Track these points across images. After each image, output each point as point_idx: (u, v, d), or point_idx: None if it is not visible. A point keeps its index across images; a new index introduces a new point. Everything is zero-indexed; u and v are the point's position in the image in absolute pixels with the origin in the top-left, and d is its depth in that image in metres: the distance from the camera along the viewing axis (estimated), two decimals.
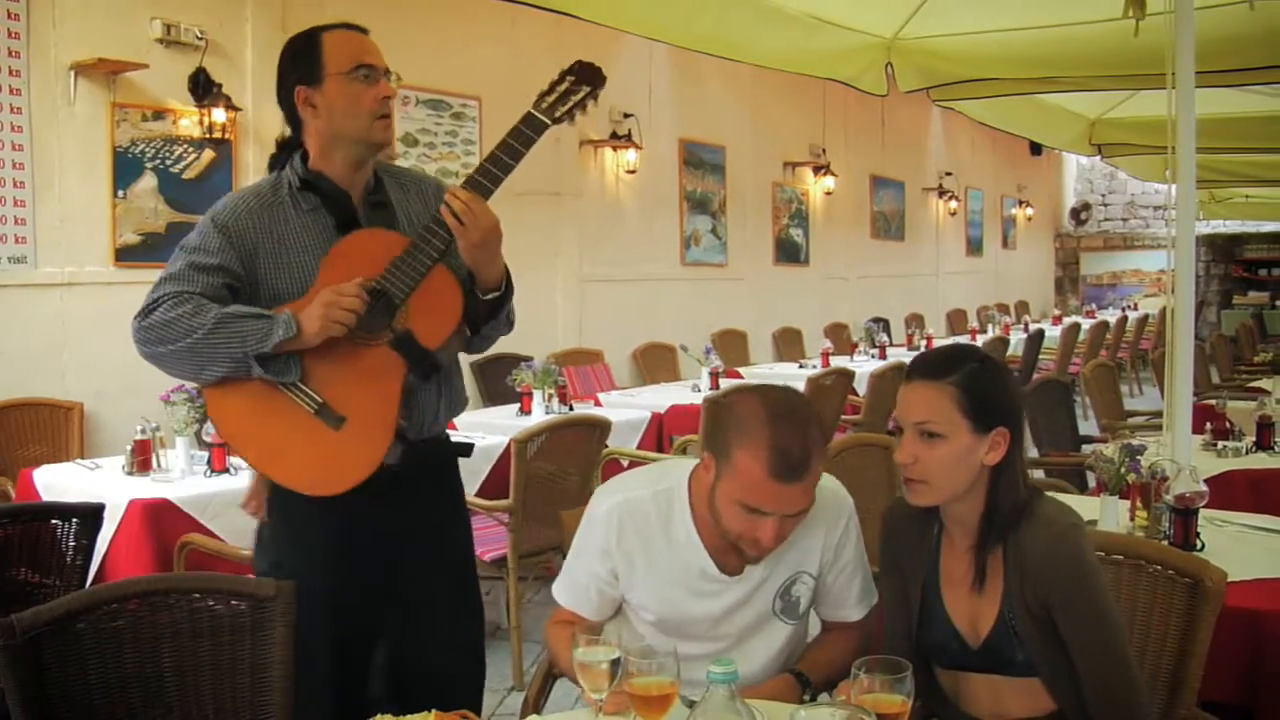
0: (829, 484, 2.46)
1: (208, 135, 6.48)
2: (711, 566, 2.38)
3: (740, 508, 2.20)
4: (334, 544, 2.71)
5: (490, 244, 2.62)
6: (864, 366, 8.72)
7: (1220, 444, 4.80)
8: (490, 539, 4.91)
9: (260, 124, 6.82)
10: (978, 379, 2.20)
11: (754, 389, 2.34)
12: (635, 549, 2.40)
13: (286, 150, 2.78)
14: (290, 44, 2.73)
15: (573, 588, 2.50)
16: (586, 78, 2.65)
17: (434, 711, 1.97)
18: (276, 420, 2.60)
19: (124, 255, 6.22)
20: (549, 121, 2.61)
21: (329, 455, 2.60)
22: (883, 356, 9.97)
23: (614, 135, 9.42)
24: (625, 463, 5.76)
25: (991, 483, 2.21)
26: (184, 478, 4.48)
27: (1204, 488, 3.24)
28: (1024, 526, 2.19)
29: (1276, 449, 4.78)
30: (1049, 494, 2.29)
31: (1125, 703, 2.12)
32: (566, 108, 2.63)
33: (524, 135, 2.60)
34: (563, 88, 2.63)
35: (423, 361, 2.64)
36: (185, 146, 6.44)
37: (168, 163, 6.36)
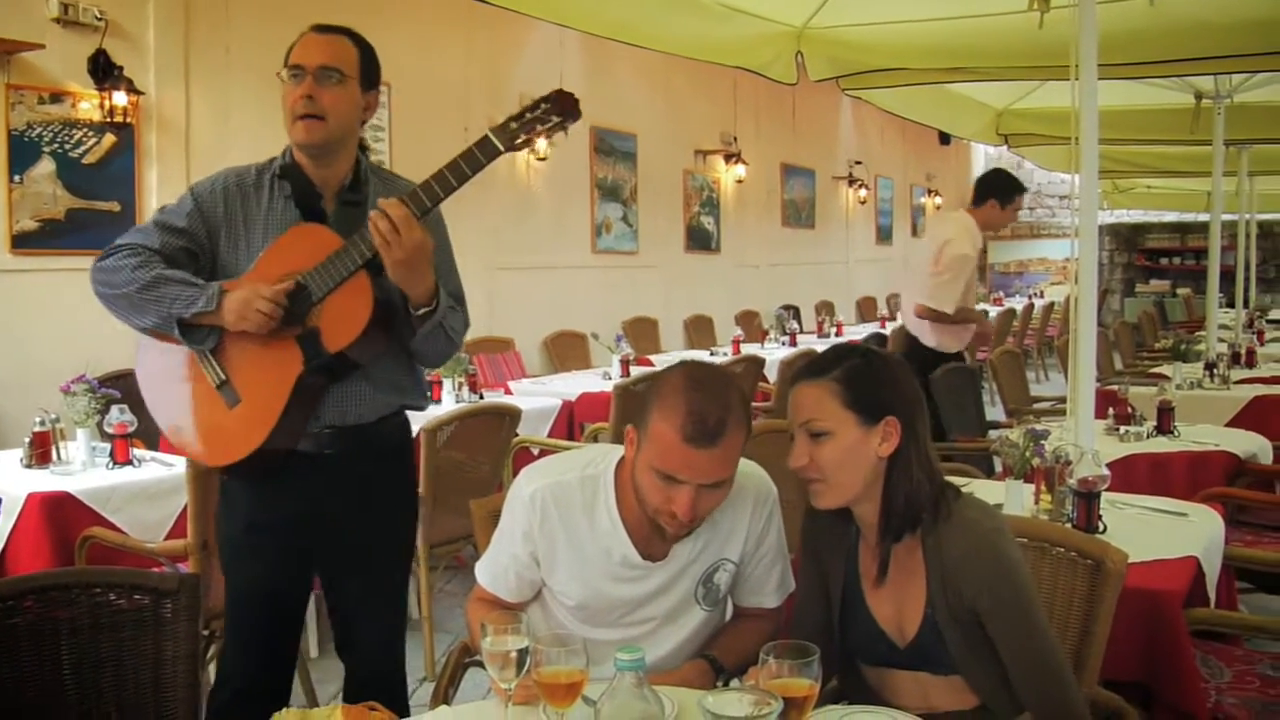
0: (754, 471, 2.48)
1: (108, 119, 6.31)
2: (633, 553, 2.38)
3: (657, 476, 2.19)
4: (261, 518, 2.85)
5: (414, 263, 2.62)
6: (775, 354, 8.79)
7: (1122, 429, 4.90)
8: None
9: (163, 107, 6.69)
10: (859, 372, 2.21)
11: (680, 363, 2.35)
12: (558, 533, 2.39)
13: None
14: None
15: (493, 569, 2.50)
16: (561, 108, 2.60)
17: (340, 705, 1.95)
18: (187, 383, 2.75)
19: (21, 242, 6.04)
20: (503, 148, 2.60)
21: (217, 429, 2.75)
22: (793, 344, 10.05)
23: None
24: (536, 451, 5.74)
25: (887, 474, 2.21)
26: (85, 470, 4.38)
27: (1106, 471, 3.30)
28: (943, 528, 2.18)
29: (1176, 433, 4.89)
30: (968, 494, 2.28)
31: (1060, 700, 2.12)
32: (528, 136, 2.61)
33: (475, 159, 2.60)
34: (534, 114, 2.60)
35: (319, 360, 2.68)
36: (85, 130, 6.27)
37: (67, 147, 6.20)
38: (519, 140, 2.60)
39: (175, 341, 2.70)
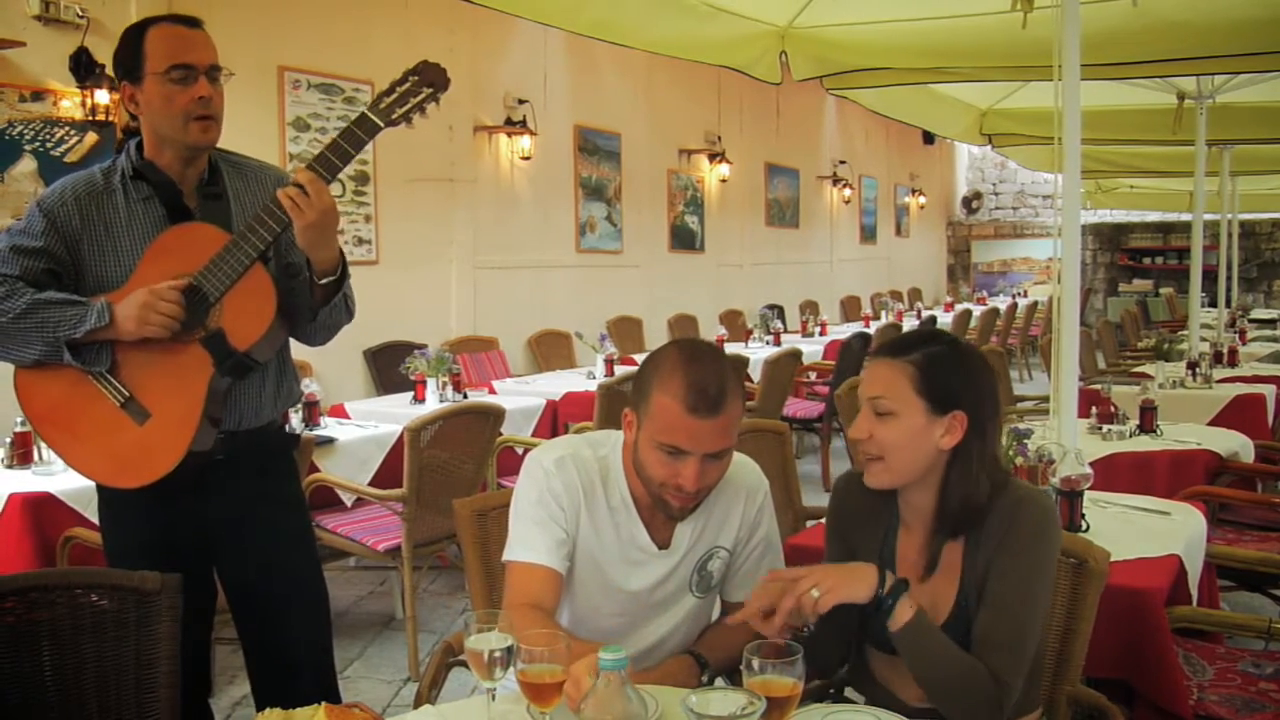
0: (746, 462, 2.51)
1: (90, 117, 6.26)
2: (644, 536, 2.40)
3: (662, 451, 2.22)
4: (156, 533, 2.76)
5: (325, 225, 2.62)
6: (759, 353, 8.79)
7: (1105, 428, 4.92)
8: (384, 529, 4.87)
9: None
10: (938, 360, 2.19)
11: (672, 341, 2.37)
12: (582, 505, 2.38)
13: (128, 137, 2.79)
14: (121, 37, 2.71)
15: (542, 543, 2.33)
16: (429, 79, 2.63)
17: (324, 704, 1.94)
18: (84, 410, 2.66)
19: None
20: (382, 125, 2.61)
21: (130, 449, 2.65)
22: (777, 343, 10.05)
23: (509, 121, 9.34)
24: (520, 450, 5.73)
25: (947, 468, 2.20)
26: (66, 470, 4.32)
27: (1089, 470, 3.30)
28: (991, 513, 2.17)
29: (1159, 432, 4.91)
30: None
31: (1000, 671, 2.08)
32: (404, 110, 2.62)
33: (355, 137, 2.60)
34: (404, 88, 2.62)
35: (230, 360, 2.65)
36: (67, 129, 6.23)
37: (48, 145, 6.16)
38: (395, 115, 2.62)
39: (62, 368, 2.62)
